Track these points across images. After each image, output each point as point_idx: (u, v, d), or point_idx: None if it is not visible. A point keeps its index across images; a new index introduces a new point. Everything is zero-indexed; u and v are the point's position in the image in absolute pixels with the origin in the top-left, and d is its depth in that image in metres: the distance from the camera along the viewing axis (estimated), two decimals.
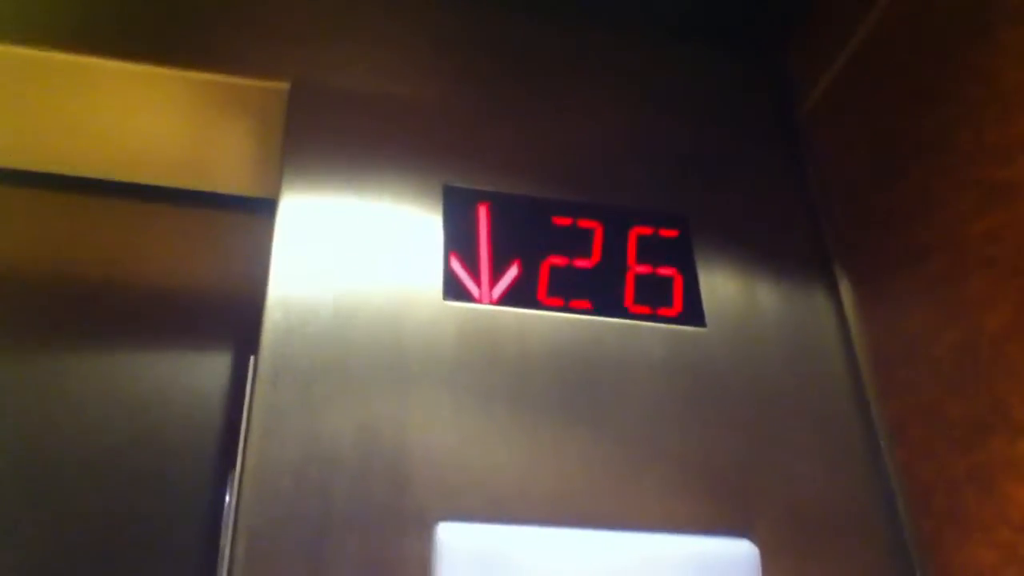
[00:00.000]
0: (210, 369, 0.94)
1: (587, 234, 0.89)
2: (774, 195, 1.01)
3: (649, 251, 0.91)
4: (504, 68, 1.01)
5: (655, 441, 0.79)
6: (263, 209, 0.95)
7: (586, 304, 0.85)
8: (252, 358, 0.75)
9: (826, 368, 0.89)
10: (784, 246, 0.97)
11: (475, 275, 0.83)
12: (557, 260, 0.87)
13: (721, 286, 0.91)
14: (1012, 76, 0.77)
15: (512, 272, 0.85)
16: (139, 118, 0.92)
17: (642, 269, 0.89)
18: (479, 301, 0.82)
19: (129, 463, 0.87)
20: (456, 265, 0.83)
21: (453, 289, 0.82)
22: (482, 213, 0.87)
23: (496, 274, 0.84)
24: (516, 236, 0.87)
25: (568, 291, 0.85)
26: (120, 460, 0.87)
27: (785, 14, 1.11)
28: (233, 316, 0.97)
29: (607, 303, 0.86)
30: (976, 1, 0.82)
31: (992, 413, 0.75)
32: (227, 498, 0.74)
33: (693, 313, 0.88)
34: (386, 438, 0.73)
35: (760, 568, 0.74)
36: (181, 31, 0.92)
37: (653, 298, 0.88)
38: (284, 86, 0.91)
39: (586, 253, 0.88)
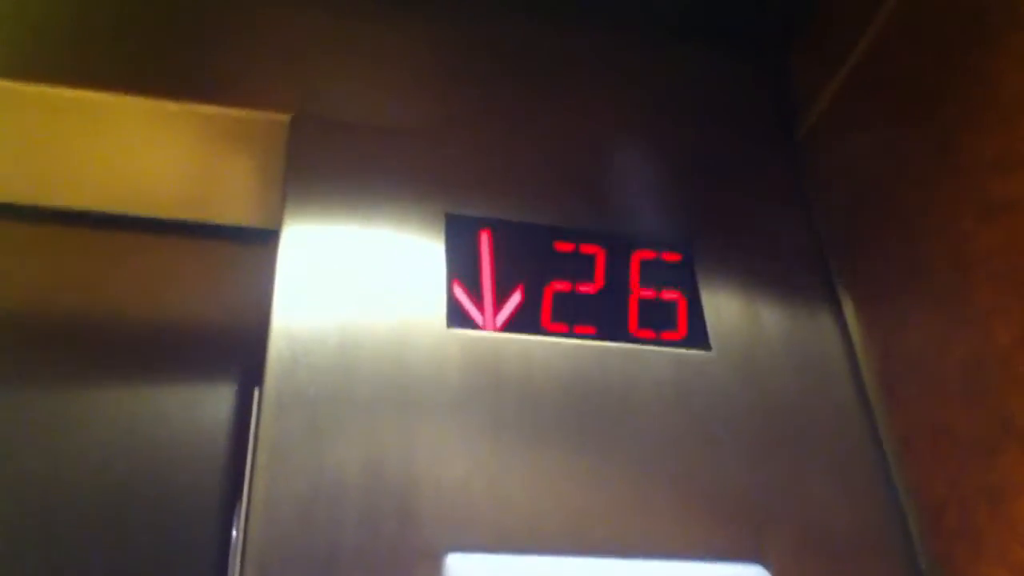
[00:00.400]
0: (214, 402, 0.94)
1: (590, 259, 0.90)
2: (776, 216, 1.01)
3: (652, 275, 0.91)
4: (502, 96, 1.01)
5: (664, 466, 0.79)
6: (265, 240, 0.95)
7: (590, 329, 0.85)
8: (257, 390, 0.74)
9: (833, 388, 0.89)
10: (787, 267, 0.97)
11: (478, 302, 0.83)
12: (560, 286, 0.87)
13: (725, 308, 0.91)
14: (1013, 86, 0.77)
15: (515, 298, 0.85)
16: (141, 151, 0.92)
17: (646, 293, 0.89)
18: (483, 328, 0.82)
19: (132, 499, 0.86)
20: (459, 292, 0.83)
21: (457, 317, 0.82)
22: (484, 240, 0.87)
23: (499, 301, 0.84)
24: (519, 262, 0.87)
25: (572, 317, 0.85)
26: (124, 495, 0.86)
27: (787, 29, 1.11)
28: (237, 348, 0.96)
29: (612, 328, 0.86)
30: (979, 9, 0.82)
31: (1002, 429, 0.75)
32: (233, 532, 0.73)
33: (698, 336, 0.88)
34: (393, 468, 0.72)
35: None
36: (182, 65, 0.93)
37: (657, 322, 0.88)
38: (285, 118, 0.91)
39: (589, 278, 0.88)
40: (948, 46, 0.86)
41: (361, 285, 0.82)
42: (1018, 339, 0.74)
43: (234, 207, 0.99)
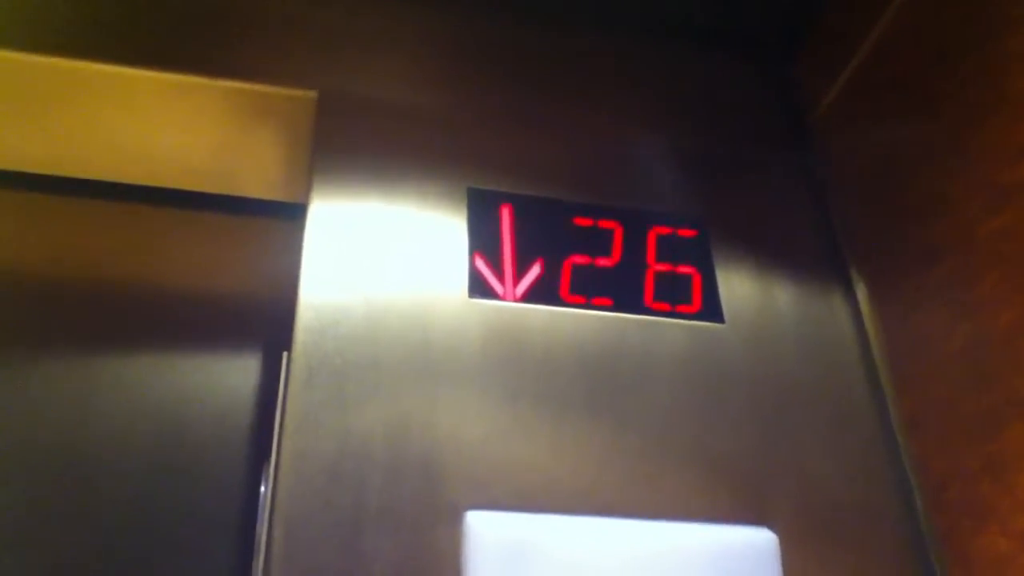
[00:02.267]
0: (241, 368, 0.97)
1: (607, 234, 0.92)
2: (789, 197, 1.03)
3: (668, 250, 0.93)
4: (525, 74, 1.03)
5: (676, 434, 0.81)
6: (292, 214, 0.98)
7: (608, 301, 0.87)
8: (285, 354, 0.77)
9: (842, 364, 0.91)
10: (799, 246, 0.99)
11: (499, 274, 0.86)
12: (579, 259, 0.89)
13: (739, 284, 0.93)
14: (1018, 79, 0.78)
15: (535, 271, 0.87)
16: (172, 126, 0.95)
17: (661, 267, 0.92)
18: (503, 299, 0.84)
19: (164, 460, 0.89)
20: (480, 264, 0.86)
21: (478, 287, 0.84)
22: (505, 214, 0.90)
23: (520, 273, 0.86)
24: (538, 236, 0.89)
25: (590, 289, 0.88)
26: (155, 457, 0.89)
27: (796, 21, 1.13)
28: (262, 317, 0.99)
29: (628, 300, 0.88)
30: (981, 9, 0.84)
31: (1005, 405, 0.77)
32: (262, 489, 0.76)
33: (712, 310, 0.90)
34: (416, 432, 0.75)
35: (779, 556, 0.76)
36: (213, 42, 0.95)
37: (673, 295, 0.90)
38: (312, 95, 0.94)
39: (607, 252, 0.91)
40: (953, 43, 0.87)
41: (386, 257, 0.84)
42: (1019, 321, 0.76)
43: (262, 181, 1.02)
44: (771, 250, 0.97)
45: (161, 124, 0.95)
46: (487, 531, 0.71)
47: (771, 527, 0.78)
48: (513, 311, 0.84)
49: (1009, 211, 0.78)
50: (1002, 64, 0.81)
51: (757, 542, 0.76)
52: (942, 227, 0.86)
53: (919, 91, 0.92)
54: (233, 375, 0.96)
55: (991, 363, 0.78)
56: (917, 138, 0.91)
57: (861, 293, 0.97)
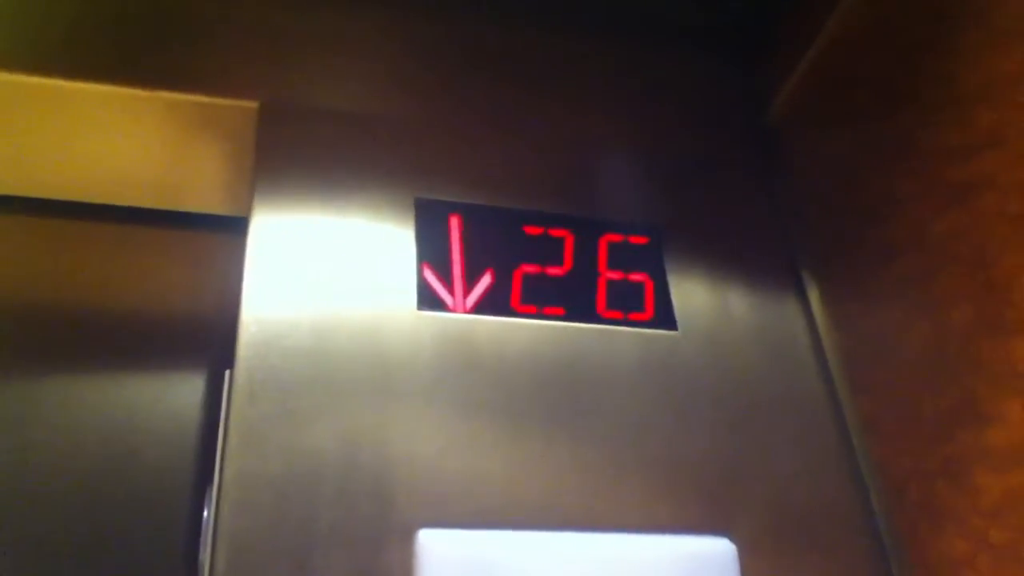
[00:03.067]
0: (185, 388, 0.94)
1: (558, 242, 0.91)
2: (742, 200, 1.03)
3: (620, 258, 0.92)
4: (471, 81, 1.02)
5: (633, 443, 0.80)
6: (235, 227, 0.95)
7: (559, 311, 0.86)
8: (228, 372, 0.75)
9: (798, 368, 0.91)
10: (752, 250, 0.99)
11: (448, 285, 0.84)
12: (529, 268, 0.88)
13: (692, 291, 0.93)
14: (970, 78, 0.79)
15: (485, 281, 0.85)
16: (109, 139, 0.92)
17: (613, 275, 0.91)
18: (453, 310, 0.83)
19: (104, 485, 0.86)
20: (429, 276, 0.84)
21: (427, 299, 0.82)
22: (454, 224, 0.88)
23: (469, 283, 0.85)
24: (488, 246, 0.88)
25: (541, 298, 0.86)
26: (95, 482, 0.86)
27: (750, 24, 1.13)
28: (207, 334, 0.97)
29: (580, 309, 0.87)
30: (934, 7, 0.85)
31: (961, 406, 0.77)
32: (205, 513, 0.73)
33: (665, 317, 0.89)
34: (367, 449, 0.73)
35: (739, 565, 0.75)
36: (151, 52, 0.93)
37: (625, 303, 0.89)
38: (253, 105, 0.91)
39: (558, 261, 0.89)
40: (906, 43, 0.88)
41: (332, 270, 0.82)
42: (976, 319, 0.76)
43: (204, 195, 0.99)
44: (724, 255, 0.96)
45: (98, 138, 0.92)
46: (441, 549, 0.69)
47: (731, 535, 0.77)
48: (464, 323, 0.82)
49: (961, 210, 0.78)
50: (953, 63, 0.81)
51: (716, 552, 0.75)
52: (895, 227, 0.87)
53: (871, 92, 0.92)
54: (178, 395, 0.93)
55: (947, 363, 0.79)
56: (870, 138, 0.92)
57: (815, 296, 0.97)
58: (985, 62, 0.78)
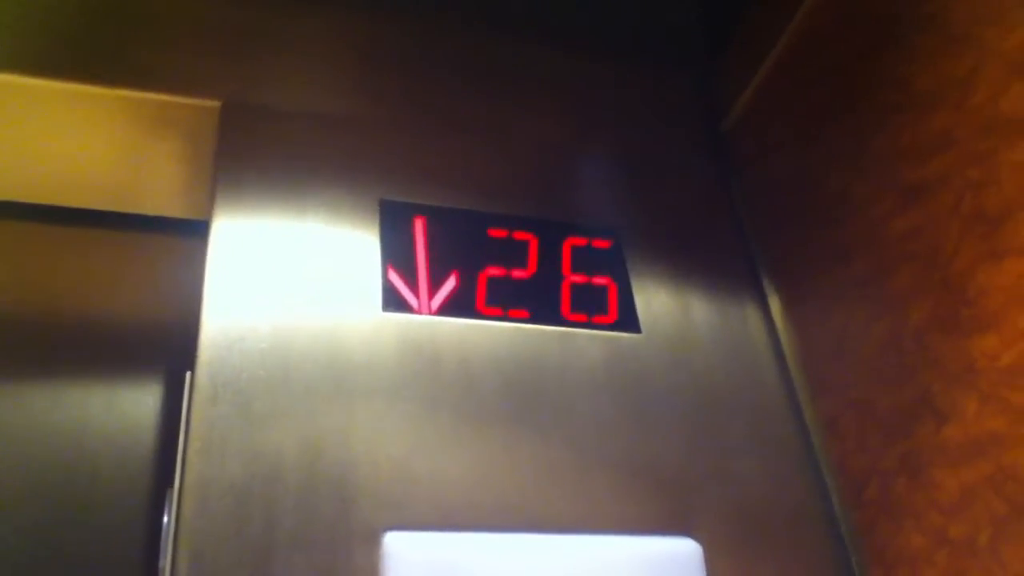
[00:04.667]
0: (143, 392, 0.92)
1: (523, 245, 0.91)
2: (701, 204, 1.04)
3: (583, 261, 0.92)
4: (436, 83, 1.02)
5: (598, 444, 0.80)
6: (195, 230, 0.94)
7: (524, 313, 0.86)
8: (188, 374, 0.73)
9: (758, 369, 0.92)
10: (713, 253, 1.00)
11: (413, 287, 0.84)
12: (494, 271, 0.88)
13: (654, 293, 0.93)
14: (924, 82, 0.81)
15: (450, 283, 0.85)
16: (65, 139, 0.90)
17: (577, 279, 0.91)
18: (418, 312, 0.82)
19: (58, 491, 0.84)
20: (394, 278, 0.83)
21: (392, 301, 0.82)
22: (418, 226, 0.88)
23: (434, 285, 0.84)
24: (453, 248, 0.88)
25: (506, 301, 0.86)
26: (49, 489, 0.84)
27: (708, 30, 1.15)
28: (167, 338, 0.95)
29: (545, 312, 0.87)
30: (889, 12, 0.87)
31: (918, 403, 0.78)
32: (165, 518, 0.72)
33: (628, 320, 0.90)
34: (330, 451, 0.72)
35: (704, 564, 0.75)
36: (108, 49, 0.91)
37: (589, 306, 0.89)
38: (215, 104, 0.90)
39: (522, 264, 0.90)
40: (860, 48, 0.90)
41: (296, 271, 0.81)
42: (931, 317, 0.78)
43: (163, 197, 0.98)
44: (686, 258, 0.97)
45: (55, 138, 0.90)
46: (407, 552, 0.68)
47: (696, 535, 0.77)
48: (429, 324, 0.82)
49: (916, 210, 0.80)
50: (906, 67, 0.83)
51: (681, 552, 0.76)
52: (852, 228, 0.88)
53: (826, 96, 0.94)
54: (135, 399, 0.92)
55: (904, 361, 0.80)
56: (824, 141, 0.94)
57: (773, 298, 0.98)
58: (937, 66, 0.80)
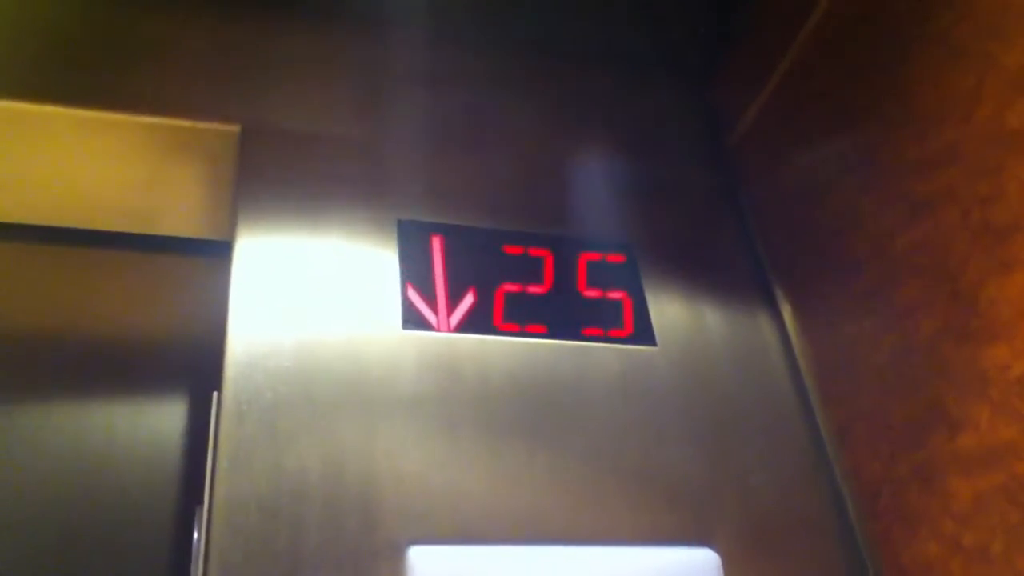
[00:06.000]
0: (169, 412, 0.94)
1: (538, 262, 0.92)
2: (713, 218, 1.06)
3: (598, 276, 0.94)
4: (450, 104, 1.04)
5: (615, 457, 0.82)
6: (217, 251, 0.96)
7: (541, 328, 0.88)
8: (216, 394, 0.75)
9: (771, 379, 0.93)
10: (726, 266, 1.01)
11: (432, 304, 0.85)
12: (511, 287, 0.89)
13: (668, 306, 0.95)
14: (930, 96, 0.82)
15: (468, 300, 0.87)
16: (90, 164, 0.92)
17: (592, 293, 0.92)
18: (437, 329, 0.84)
19: (90, 510, 0.86)
20: (413, 295, 0.85)
21: (412, 319, 0.84)
22: (436, 245, 0.89)
23: (452, 303, 0.86)
24: (470, 266, 0.89)
25: (523, 316, 0.88)
26: (82, 507, 0.86)
27: (713, 46, 1.16)
28: (191, 358, 0.97)
29: (561, 327, 0.89)
30: (895, 26, 0.88)
31: (930, 412, 0.79)
32: (195, 535, 0.73)
33: (643, 333, 0.91)
34: (353, 467, 0.74)
35: (722, 574, 0.76)
36: (130, 76, 0.93)
37: (604, 320, 0.91)
38: (235, 128, 0.92)
39: (538, 279, 0.91)
40: (867, 61, 0.91)
41: (317, 291, 0.83)
42: (942, 328, 0.79)
43: (186, 219, 1.00)
44: (699, 271, 0.99)
45: (79, 163, 0.92)
46: (430, 565, 0.70)
47: (713, 546, 0.79)
48: (448, 341, 0.84)
49: (924, 223, 0.81)
50: (913, 81, 0.84)
51: (700, 562, 0.77)
52: (860, 241, 0.89)
53: (833, 109, 0.96)
54: (161, 419, 0.93)
55: (915, 372, 0.81)
56: (833, 155, 0.95)
57: (786, 309, 1.00)
58: (943, 80, 0.81)
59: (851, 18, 0.94)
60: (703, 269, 0.99)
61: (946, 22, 0.81)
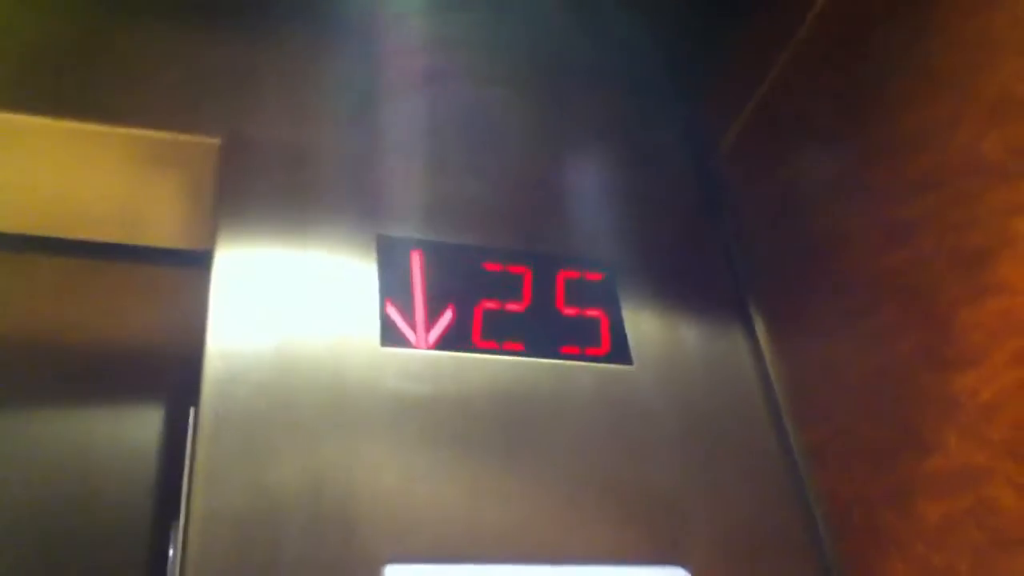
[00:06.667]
0: (146, 424, 0.93)
1: (517, 279, 0.93)
2: (692, 237, 1.07)
3: (576, 294, 0.94)
4: (432, 120, 1.04)
5: (591, 475, 0.82)
6: (197, 261, 0.95)
7: (519, 346, 0.88)
8: (192, 409, 0.75)
9: (747, 399, 0.94)
10: (702, 286, 1.02)
11: (411, 321, 0.85)
12: (490, 304, 0.90)
13: (645, 325, 0.95)
14: (910, 123, 0.83)
15: (447, 317, 0.87)
16: (71, 175, 0.92)
17: (570, 311, 0.93)
18: (416, 346, 0.84)
19: (64, 524, 0.85)
20: (392, 312, 0.85)
21: (390, 335, 0.84)
22: (415, 261, 0.90)
23: (431, 319, 0.86)
24: (449, 282, 0.90)
25: (501, 334, 0.88)
26: (55, 520, 0.85)
27: (697, 66, 1.18)
28: (169, 370, 0.96)
29: (539, 344, 0.89)
30: (876, 52, 0.89)
31: (902, 435, 0.80)
32: (170, 551, 0.73)
33: (620, 352, 0.92)
34: (331, 484, 0.74)
35: None
36: (112, 89, 0.93)
37: (582, 338, 0.91)
38: (215, 141, 0.92)
39: (517, 297, 0.92)
40: (850, 87, 0.92)
41: (296, 305, 0.83)
42: (916, 352, 0.80)
43: (166, 229, 0.99)
44: (677, 290, 1.00)
45: (60, 173, 0.92)
46: None
47: (687, 565, 0.79)
48: (426, 359, 0.84)
49: (903, 247, 0.82)
50: (894, 107, 0.86)
51: None
52: (840, 263, 0.91)
53: (817, 131, 0.97)
54: (138, 432, 0.93)
55: (888, 394, 0.82)
56: (816, 177, 0.96)
57: (762, 330, 1.01)
58: (923, 108, 0.82)
59: (833, 42, 0.95)
60: (682, 288, 1.00)
61: (925, 51, 0.83)
